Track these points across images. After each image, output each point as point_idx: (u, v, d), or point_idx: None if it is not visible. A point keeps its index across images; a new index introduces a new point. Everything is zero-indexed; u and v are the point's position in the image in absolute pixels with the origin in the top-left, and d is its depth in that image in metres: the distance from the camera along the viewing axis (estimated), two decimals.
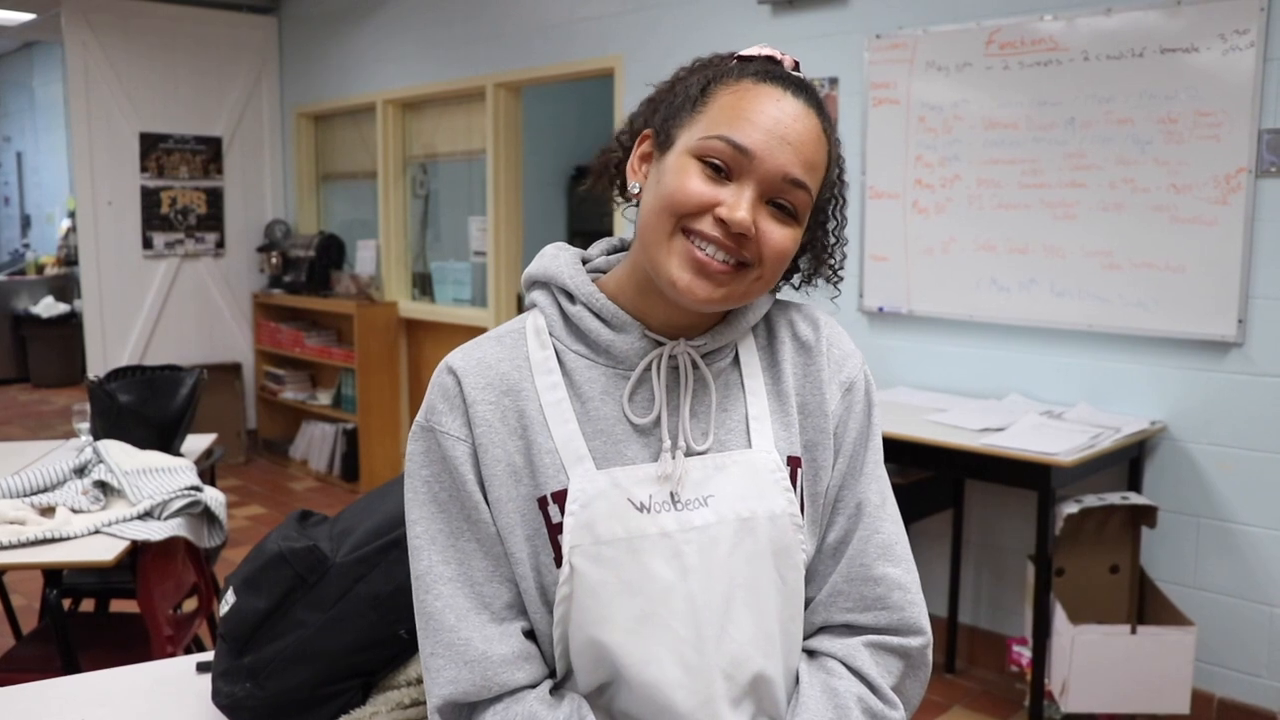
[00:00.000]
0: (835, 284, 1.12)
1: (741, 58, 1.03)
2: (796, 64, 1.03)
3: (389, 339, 5.57)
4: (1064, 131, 3.02)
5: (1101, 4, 2.92)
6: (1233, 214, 2.73)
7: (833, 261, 1.10)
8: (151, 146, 5.91)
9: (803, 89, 0.99)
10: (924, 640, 1.05)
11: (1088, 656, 2.59)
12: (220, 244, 6.23)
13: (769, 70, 1.00)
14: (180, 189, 6.04)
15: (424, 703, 1.26)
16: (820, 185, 1.00)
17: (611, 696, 1.00)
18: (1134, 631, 2.63)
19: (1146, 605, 2.87)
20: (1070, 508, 2.69)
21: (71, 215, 8.20)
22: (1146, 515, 2.81)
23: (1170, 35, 2.80)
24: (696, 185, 0.95)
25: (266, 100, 6.33)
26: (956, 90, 3.23)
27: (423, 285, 5.67)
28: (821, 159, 0.99)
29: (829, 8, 3.55)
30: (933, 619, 3.38)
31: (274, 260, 6.14)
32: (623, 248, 1.13)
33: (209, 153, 6.12)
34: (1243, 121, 2.69)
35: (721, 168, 0.95)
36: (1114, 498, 2.79)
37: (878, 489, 1.08)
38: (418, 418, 1.04)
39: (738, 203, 0.94)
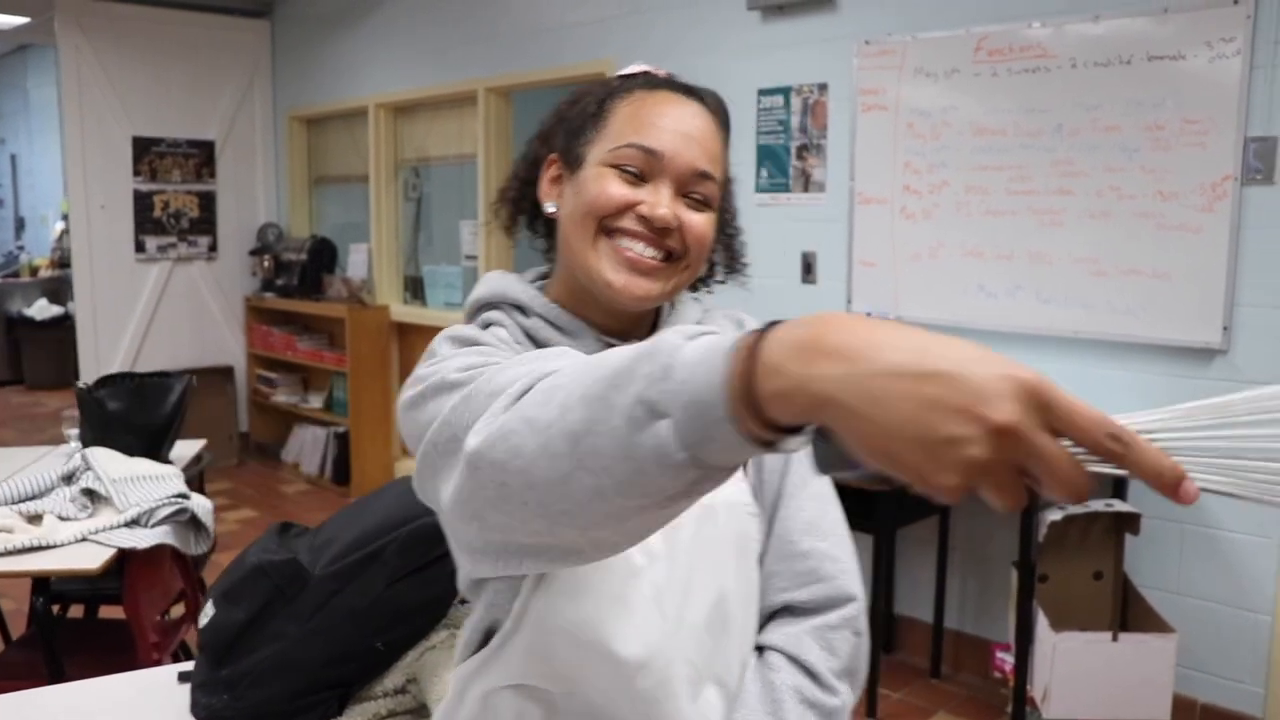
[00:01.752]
0: (740, 270, 1.17)
1: (623, 76, 1.10)
2: (670, 75, 1.10)
3: (381, 342, 5.57)
4: (1051, 138, 3.03)
5: (1089, 11, 2.93)
6: (1218, 221, 2.74)
7: (738, 244, 1.16)
8: (144, 150, 5.91)
9: (692, 91, 1.07)
10: (857, 605, 1.09)
11: (1069, 663, 2.60)
12: (213, 247, 6.23)
13: (656, 80, 1.08)
14: (173, 192, 6.03)
15: (400, 713, 1.28)
16: (723, 175, 1.08)
17: (577, 682, 0.99)
18: (1115, 639, 2.64)
19: (1129, 612, 2.88)
20: (1054, 514, 2.71)
21: (65, 218, 8.20)
22: (1130, 522, 2.82)
23: (1157, 43, 2.81)
24: (616, 188, 1.01)
25: (259, 104, 6.33)
26: (945, 96, 3.24)
27: (414, 289, 5.67)
28: (720, 151, 1.07)
29: (818, 13, 3.56)
30: (918, 624, 3.44)
31: (266, 264, 6.14)
32: (549, 274, 1.15)
33: (201, 156, 6.12)
34: (1229, 129, 2.70)
35: (636, 172, 1.02)
36: (1098, 504, 2.80)
37: (798, 472, 1.11)
38: (428, 358, 0.96)
39: (658, 200, 1.01)
